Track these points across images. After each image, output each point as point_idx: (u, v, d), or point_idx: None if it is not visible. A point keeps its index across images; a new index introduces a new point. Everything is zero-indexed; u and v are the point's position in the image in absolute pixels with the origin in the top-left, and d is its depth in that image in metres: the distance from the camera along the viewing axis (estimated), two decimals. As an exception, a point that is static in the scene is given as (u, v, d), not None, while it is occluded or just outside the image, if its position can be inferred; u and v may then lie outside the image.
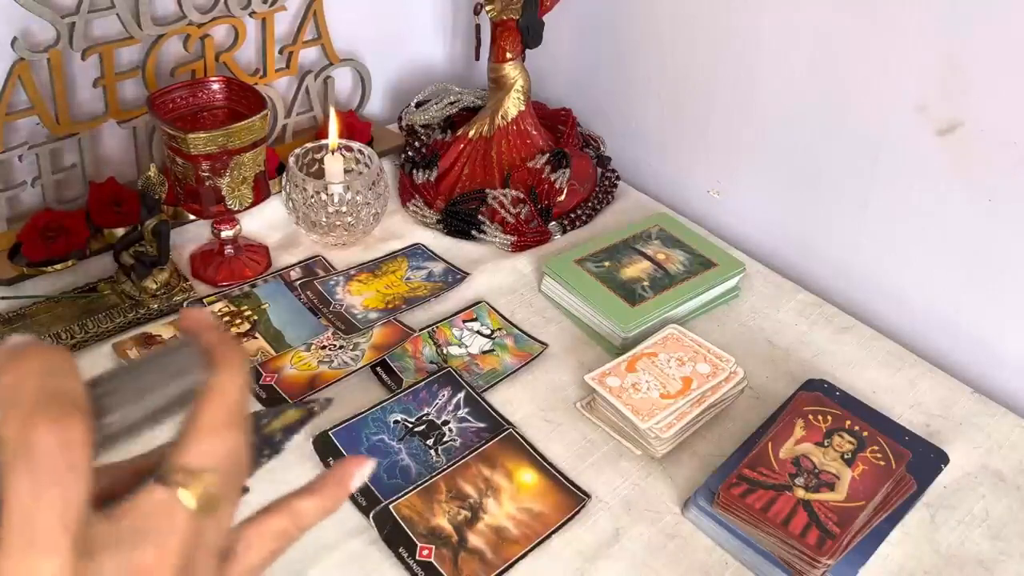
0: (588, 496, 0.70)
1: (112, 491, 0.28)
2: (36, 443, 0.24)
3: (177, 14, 0.89)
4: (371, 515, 0.66)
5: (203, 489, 0.27)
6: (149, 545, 0.26)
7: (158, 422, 0.29)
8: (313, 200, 0.90)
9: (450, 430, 0.74)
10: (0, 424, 0.25)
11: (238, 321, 0.82)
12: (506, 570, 0.64)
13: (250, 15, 0.95)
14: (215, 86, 0.87)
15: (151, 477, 0.28)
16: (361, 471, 0.34)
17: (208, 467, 0.28)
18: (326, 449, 0.71)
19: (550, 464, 0.72)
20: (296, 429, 0.35)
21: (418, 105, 1.13)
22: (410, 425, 0.74)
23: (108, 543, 0.26)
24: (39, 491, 0.24)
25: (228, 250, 0.90)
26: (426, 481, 0.69)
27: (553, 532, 0.67)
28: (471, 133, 1.04)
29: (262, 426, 0.34)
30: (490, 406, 0.77)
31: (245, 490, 0.31)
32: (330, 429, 0.73)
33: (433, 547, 0.64)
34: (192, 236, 0.94)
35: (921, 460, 0.72)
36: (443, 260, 0.95)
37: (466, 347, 0.84)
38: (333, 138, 0.93)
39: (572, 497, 0.70)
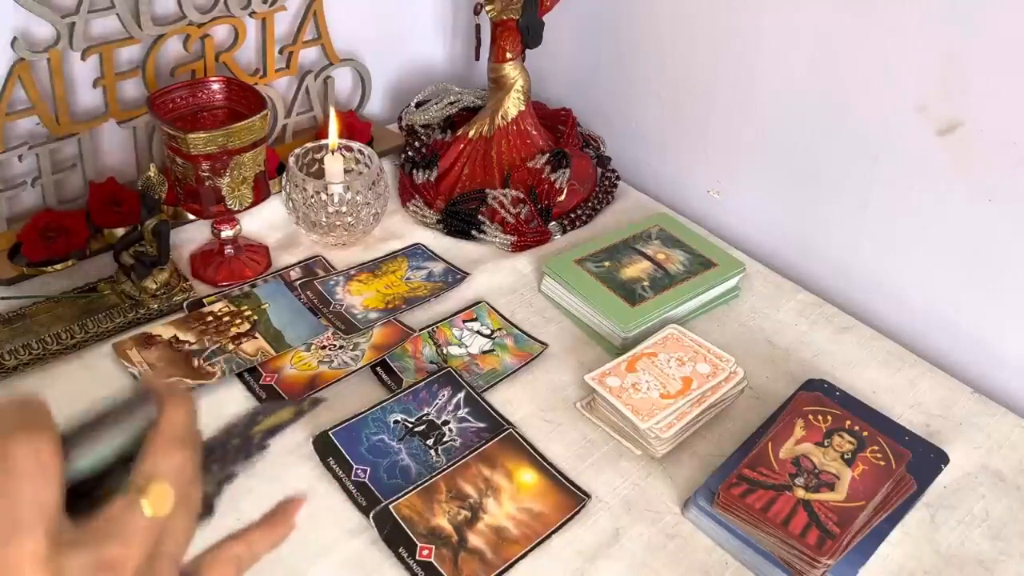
0: (588, 496, 0.70)
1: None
2: (14, 452, 0.29)
3: (177, 14, 0.89)
4: (371, 515, 0.66)
5: (158, 496, 0.32)
6: (114, 543, 0.31)
7: (120, 459, 0.34)
8: (313, 200, 0.90)
9: (450, 430, 0.74)
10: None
11: (238, 321, 0.82)
12: (506, 570, 0.64)
13: (250, 15, 0.95)
14: (215, 86, 0.87)
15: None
16: (300, 508, 0.40)
17: (161, 478, 0.33)
18: (326, 449, 0.71)
19: (550, 464, 0.72)
20: (283, 429, 0.40)
21: (418, 105, 1.13)
22: (410, 425, 0.74)
23: (77, 541, 0.30)
24: (17, 488, 0.29)
25: (228, 250, 0.90)
26: (426, 481, 0.69)
27: (553, 532, 0.67)
28: (471, 133, 1.04)
29: (255, 423, 0.38)
30: (490, 406, 0.77)
31: (208, 513, 0.36)
32: (330, 429, 0.73)
33: (433, 547, 0.64)
34: (192, 236, 0.94)
35: (921, 460, 0.72)
36: (443, 260, 0.95)
37: (466, 347, 0.84)
38: (333, 138, 0.93)
39: (572, 497, 0.70)
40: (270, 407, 0.40)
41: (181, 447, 0.34)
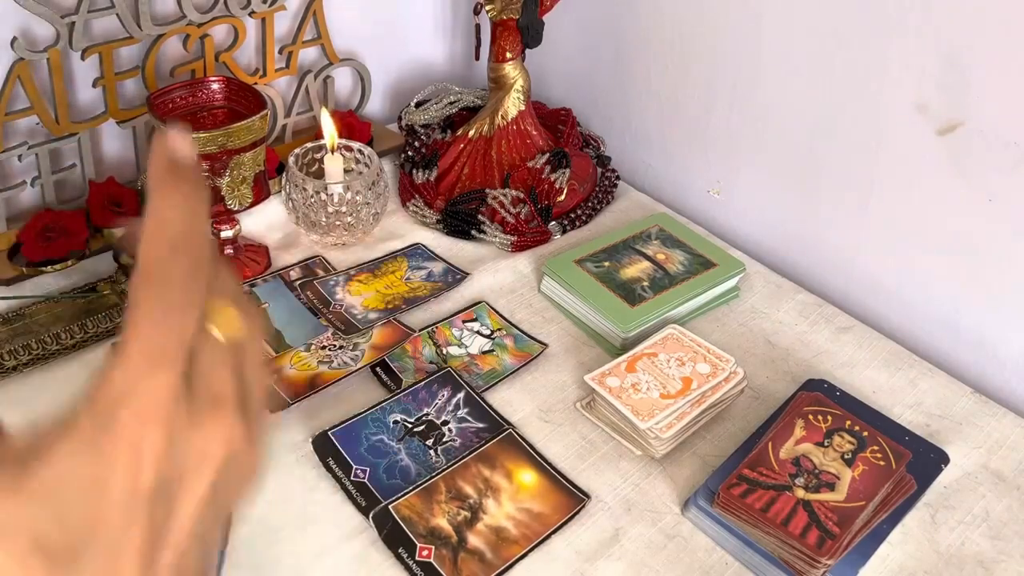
0: (588, 496, 0.70)
1: None
2: (173, 275, 0.27)
3: (177, 14, 0.89)
4: (371, 515, 0.66)
5: (223, 318, 0.30)
6: (215, 370, 0.29)
7: None
8: (313, 200, 0.90)
9: (450, 430, 0.74)
10: (145, 244, 0.27)
11: (238, 321, 0.82)
12: (506, 570, 0.64)
13: (250, 15, 0.95)
14: (215, 86, 0.87)
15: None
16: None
17: (217, 300, 0.30)
18: (325, 449, 0.71)
19: (550, 464, 0.72)
20: None
21: (418, 105, 1.13)
22: (410, 425, 0.74)
23: (195, 355, 0.28)
24: (167, 315, 0.27)
25: (228, 250, 0.90)
26: (426, 481, 0.69)
27: (553, 532, 0.67)
28: (471, 133, 1.04)
29: None
30: (490, 406, 0.77)
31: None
32: (329, 429, 0.73)
33: (433, 547, 0.64)
34: (192, 236, 0.93)
35: (921, 460, 0.72)
36: (443, 260, 0.95)
37: (466, 347, 0.84)
38: (328, 138, 0.92)
39: (572, 497, 0.70)
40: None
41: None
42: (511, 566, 0.64)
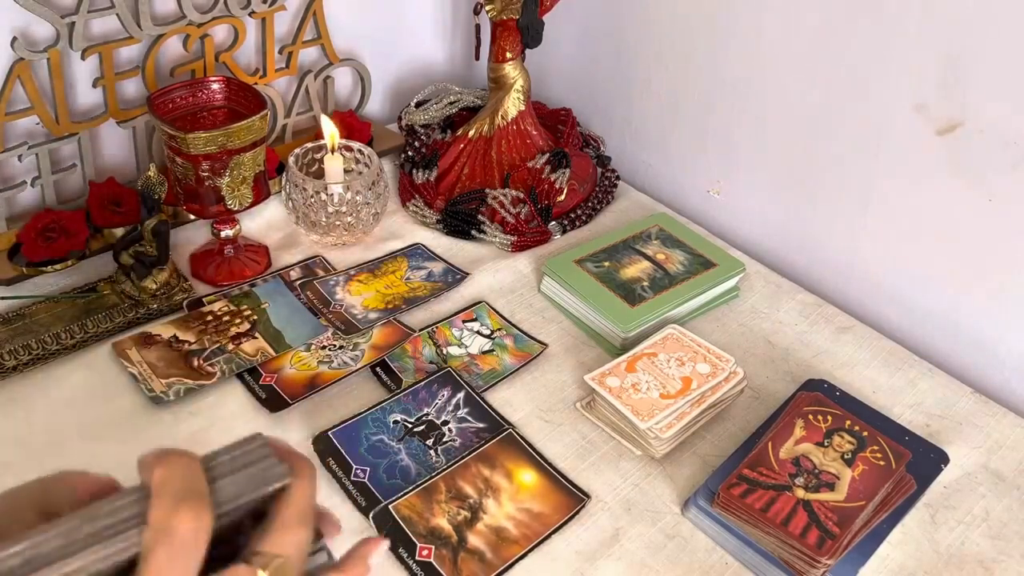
0: (588, 496, 0.70)
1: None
2: (177, 526, 0.32)
3: (177, 14, 0.89)
4: (371, 515, 0.66)
5: (278, 572, 0.35)
6: None
7: (245, 508, 0.36)
8: (313, 200, 0.90)
9: (450, 430, 0.74)
10: (153, 507, 0.32)
11: (238, 321, 0.82)
12: (506, 570, 0.64)
13: (250, 15, 0.95)
14: (215, 86, 0.87)
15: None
16: (378, 550, 0.41)
17: (281, 554, 0.35)
18: (326, 449, 0.71)
19: (550, 464, 0.72)
20: None
21: (418, 105, 1.13)
22: (410, 425, 0.74)
23: None
24: (173, 560, 0.32)
25: (228, 250, 0.90)
26: (426, 481, 0.69)
27: (553, 532, 0.67)
28: (471, 133, 1.04)
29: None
30: (490, 406, 0.77)
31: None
32: (329, 429, 0.73)
33: (433, 547, 0.64)
34: (192, 236, 0.94)
35: (921, 460, 0.72)
36: (443, 260, 0.95)
37: (466, 347, 0.84)
38: (329, 139, 0.92)
39: (572, 497, 0.70)
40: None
41: (306, 525, 0.36)
42: (511, 566, 0.64)
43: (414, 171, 1.03)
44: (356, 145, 0.96)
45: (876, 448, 0.70)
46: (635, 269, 0.90)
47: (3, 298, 0.82)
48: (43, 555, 0.31)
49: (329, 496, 0.68)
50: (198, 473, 0.34)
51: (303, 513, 0.36)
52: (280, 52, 1.02)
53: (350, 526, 0.66)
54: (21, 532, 0.32)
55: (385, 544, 0.42)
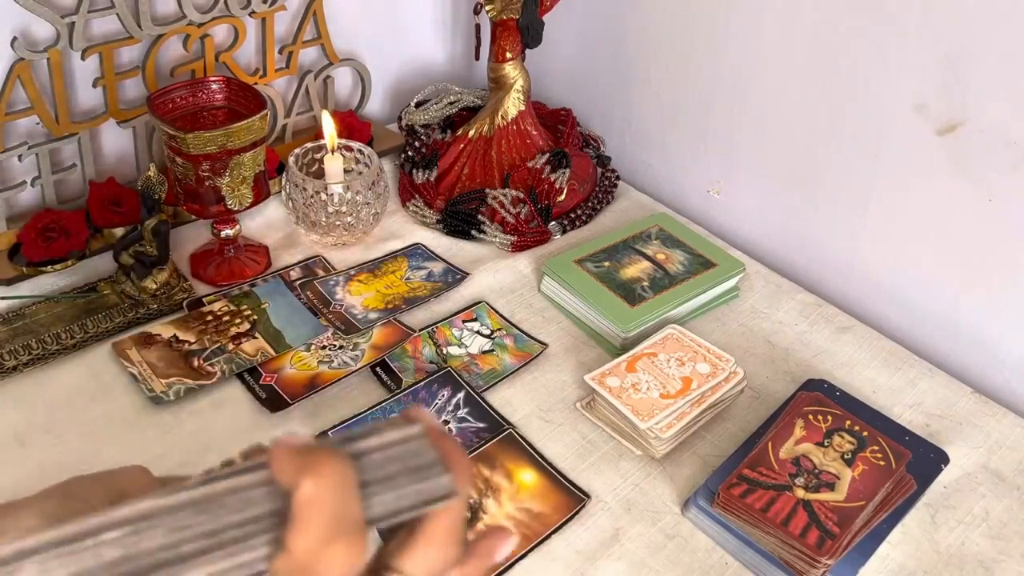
0: (588, 496, 0.70)
1: None
2: (329, 566, 0.27)
3: (177, 14, 0.89)
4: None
5: None
6: None
7: (395, 520, 0.30)
8: (313, 200, 0.90)
9: (450, 430, 0.74)
10: (298, 533, 0.27)
11: (238, 321, 0.82)
12: (506, 570, 0.64)
13: (250, 15, 0.95)
14: (215, 86, 0.87)
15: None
16: (506, 545, 0.35)
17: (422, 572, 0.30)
18: (326, 449, 0.71)
19: (550, 464, 0.72)
20: None
21: (418, 105, 1.13)
22: (410, 425, 0.74)
23: None
24: None
25: (228, 250, 0.90)
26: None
27: (553, 532, 0.67)
28: (471, 133, 1.04)
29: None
30: (490, 406, 0.77)
31: None
32: (330, 430, 0.73)
33: (433, 547, 0.64)
34: (192, 236, 0.94)
35: (921, 460, 0.72)
36: (443, 260, 0.95)
37: (466, 347, 0.84)
38: (329, 139, 0.92)
39: (572, 497, 0.70)
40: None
41: (453, 545, 0.31)
42: (511, 566, 0.64)
43: (414, 171, 1.03)
44: (356, 145, 0.96)
45: (876, 448, 0.70)
46: (635, 269, 0.90)
47: (3, 298, 0.82)
48: (145, 552, 0.25)
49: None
50: (354, 495, 0.28)
51: (454, 529, 0.31)
52: (280, 52, 1.02)
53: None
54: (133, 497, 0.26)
55: (515, 539, 0.35)
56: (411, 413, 0.32)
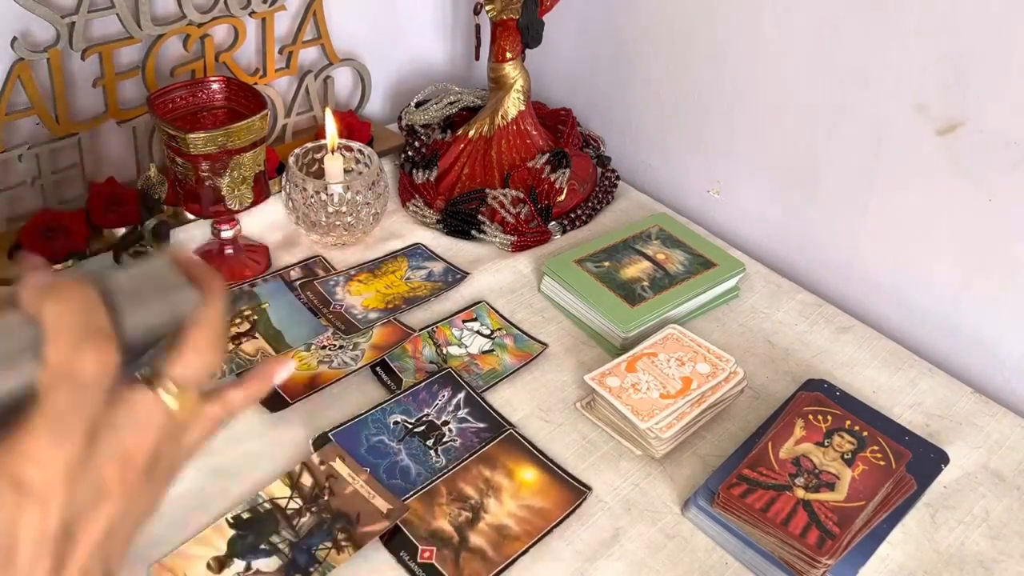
0: (589, 488, 0.70)
1: None
2: (80, 369, 0.30)
3: (177, 14, 0.89)
4: (371, 515, 0.66)
5: (184, 397, 0.34)
6: (134, 431, 0.33)
7: (153, 337, 0.34)
8: (313, 200, 0.90)
9: (450, 430, 0.74)
10: (50, 346, 0.30)
11: (238, 321, 0.82)
12: (507, 568, 0.64)
13: (250, 15, 0.95)
14: (215, 86, 0.87)
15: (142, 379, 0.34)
16: (282, 371, 0.40)
17: (190, 380, 0.34)
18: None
19: (550, 460, 0.72)
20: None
21: (418, 105, 1.13)
22: (410, 426, 0.74)
23: (105, 424, 0.32)
24: (74, 404, 0.30)
25: (228, 250, 0.90)
26: (427, 485, 0.69)
27: (555, 526, 0.67)
28: (471, 133, 1.04)
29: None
30: (490, 406, 0.77)
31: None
32: (330, 430, 0.73)
33: (434, 548, 0.64)
34: (192, 236, 0.94)
35: (921, 460, 0.72)
36: (443, 260, 0.95)
37: (466, 347, 0.84)
38: (330, 138, 0.93)
39: (572, 491, 0.70)
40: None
41: (217, 348, 0.35)
42: (512, 563, 0.64)
43: (414, 171, 1.03)
44: (356, 145, 0.96)
45: (876, 448, 0.70)
46: (635, 269, 0.90)
47: (3, 298, 0.82)
48: None
49: (329, 496, 0.68)
50: (97, 306, 0.32)
51: (214, 335, 0.35)
52: (280, 52, 1.02)
53: (350, 526, 0.66)
54: None
55: (291, 365, 0.42)
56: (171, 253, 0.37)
